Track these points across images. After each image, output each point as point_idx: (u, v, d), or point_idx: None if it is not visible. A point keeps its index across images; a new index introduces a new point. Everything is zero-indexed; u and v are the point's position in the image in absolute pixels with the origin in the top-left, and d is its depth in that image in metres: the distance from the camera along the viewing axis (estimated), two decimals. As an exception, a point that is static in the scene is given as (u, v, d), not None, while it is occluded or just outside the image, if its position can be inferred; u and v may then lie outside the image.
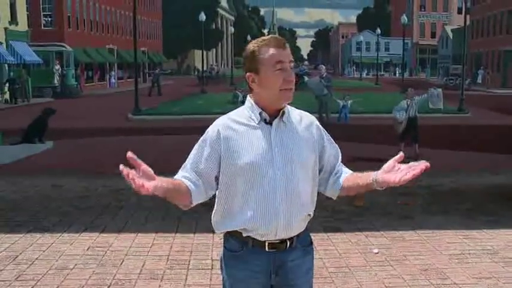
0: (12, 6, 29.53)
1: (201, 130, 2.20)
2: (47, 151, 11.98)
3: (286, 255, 2.11)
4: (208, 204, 2.22)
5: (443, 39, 69.10)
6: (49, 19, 36.80)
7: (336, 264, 4.68)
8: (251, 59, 2.06)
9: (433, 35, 77.57)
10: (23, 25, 30.75)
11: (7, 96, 27.74)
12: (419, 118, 11.11)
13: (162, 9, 62.89)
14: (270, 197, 2.02)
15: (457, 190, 7.83)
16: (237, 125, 2.07)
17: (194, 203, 2.10)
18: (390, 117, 11.24)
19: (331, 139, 2.21)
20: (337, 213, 6.18)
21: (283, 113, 2.08)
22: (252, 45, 2.09)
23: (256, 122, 2.07)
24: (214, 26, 75.01)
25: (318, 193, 2.20)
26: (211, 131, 2.10)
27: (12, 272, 4.47)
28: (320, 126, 2.18)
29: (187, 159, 2.12)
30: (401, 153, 2.00)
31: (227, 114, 2.15)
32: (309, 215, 2.15)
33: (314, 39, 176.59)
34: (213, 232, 2.96)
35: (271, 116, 2.07)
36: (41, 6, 36.22)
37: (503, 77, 44.74)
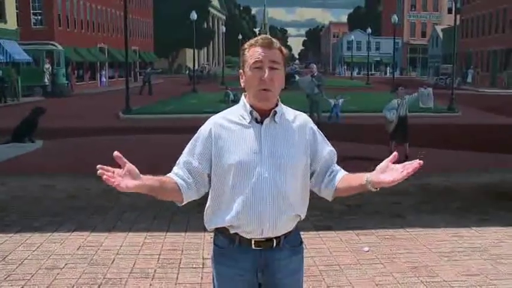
0: (1, 5, 29.27)
1: (193, 129, 2.20)
2: (37, 150, 11.92)
3: (272, 254, 2.10)
4: (200, 203, 2.23)
5: (433, 38, 69.50)
6: (39, 18, 36.53)
7: (327, 262, 4.70)
8: (241, 57, 2.11)
9: (423, 35, 78.09)
10: (12, 23, 30.49)
11: (-4, 95, 27.53)
12: (410, 117, 11.17)
13: (154, 8, 62.66)
14: (257, 195, 2.02)
15: (447, 189, 7.89)
16: (229, 124, 2.08)
17: (186, 201, 2.11)
18: (381, 116, 11.29)
19: (326, 140, 2.21)
20: (329, 212, 6.20)
21: (275, 112, 2.08)
22: (244, 44, 2.13)
23: (248, 121, 2.07)
24: (205, 25, 74.83)
25: (312, 193, 2.20)
26: (203, 129, 2.11)
27: (2, 272, 4.44)
28: (315, 127, 2.17)
29: (181, 156, 2.13)
30: (395, 153, 2.00)
31: (221, 112, 2.16)
32: (299, 215, 2.14)
33: (305, 38, 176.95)
34: (205, 231, 2.97)
35: (262, 115, 2.07)
36: (31, 5, 35.95)
37: (492, 77, 45.12)
